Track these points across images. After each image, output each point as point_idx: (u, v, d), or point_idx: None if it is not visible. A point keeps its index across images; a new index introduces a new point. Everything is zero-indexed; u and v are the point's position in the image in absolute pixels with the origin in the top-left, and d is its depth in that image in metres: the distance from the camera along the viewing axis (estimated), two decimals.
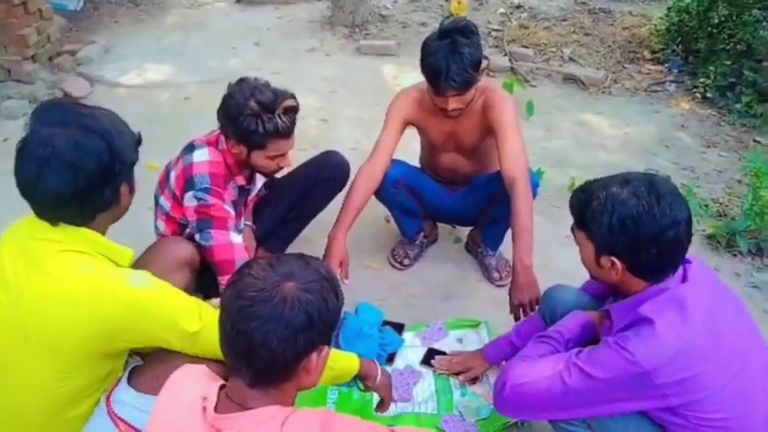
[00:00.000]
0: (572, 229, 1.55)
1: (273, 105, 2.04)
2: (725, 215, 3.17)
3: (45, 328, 1.39)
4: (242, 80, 2.08)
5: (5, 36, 4.20)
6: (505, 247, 2.74)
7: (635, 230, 1.37)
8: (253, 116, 2.02)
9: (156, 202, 2.27)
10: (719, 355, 1.38)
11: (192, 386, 1.21)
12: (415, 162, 2.76)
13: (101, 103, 4.21)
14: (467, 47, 2.17)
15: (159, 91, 4.32)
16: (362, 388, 1.86)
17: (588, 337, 1.62)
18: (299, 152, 3.12)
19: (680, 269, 1.45)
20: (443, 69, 2.15)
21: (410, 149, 2.76)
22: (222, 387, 1.19)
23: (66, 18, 5.11)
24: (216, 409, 1.15)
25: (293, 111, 2.11)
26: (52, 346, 1.40)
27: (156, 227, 2.30)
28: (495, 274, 2.69)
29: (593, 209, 1.43)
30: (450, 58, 2.14)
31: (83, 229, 1.43)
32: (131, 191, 1.54)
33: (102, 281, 1.39)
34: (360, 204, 2.33)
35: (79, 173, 1.35)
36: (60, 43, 4.67)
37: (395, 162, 2.50)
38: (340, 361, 1.76)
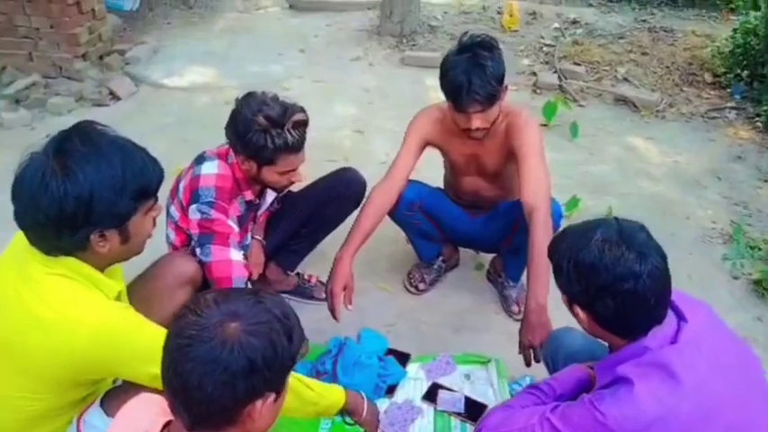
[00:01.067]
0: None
1: (283, 120, 1.99)
2: None
3: (17, 347, 1.36)
4: (249, 95, 2.03)
5: (58, 34, 4.32)
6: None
7: (589, 279, 1.29)
8: (261, 131, 1.97)
9: (168, 211, 2.25)
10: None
11: (140, 419, 1.16)
12: (439, 183, 2.66)
13: (144, 102, 4.32)
14: (489, 60, 2.05)
15: (200, 94, 4.35)
16: (350, 422, 1.78)
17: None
18: (327, 163, 3.07)
19: (668, 328, 1.31)
20: (465, 83, 2.02)
21: (431, 172, 2.66)
22: (168, 424, 1.13)
23: (121, 18, 5.24)
24: None
25: (303, 125, 2.04)
26: (22, 366, 1.37)
27: (166, 234, 2.27)
28: (515, 307, 2.55)
29: (558, 253, 1.38)
30: (473, 72, 2.03)
31: (69, 259, 1.37)
32: (120, 240, 1.40)
33: (72, 311, 1.33)
34: (370, 226, 2.24)
35: (39, 211, 1.30)
36: (111, 42, 4.78)
37: (411, 183, 2.40)
38: (324, 396, 1.69)
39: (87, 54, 4.49)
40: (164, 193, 1.59)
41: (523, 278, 2.58)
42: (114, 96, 4.28)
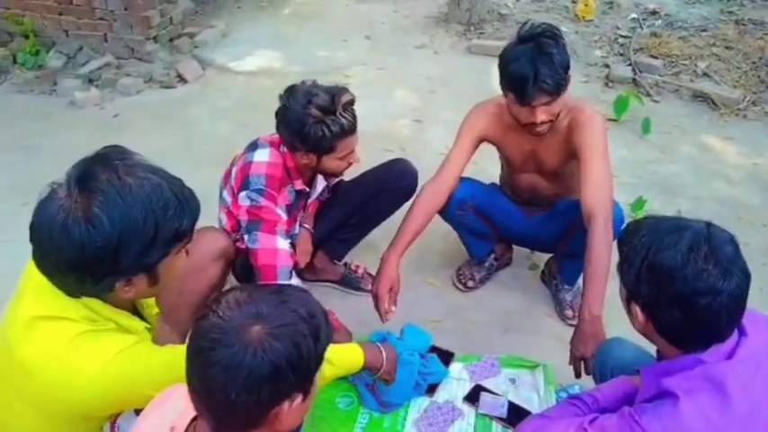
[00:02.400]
0: (617, 265, 1.36)
1: (333, 106, 1.96)
2: None
3: (26, 387, 1.28)
4: (292, 88, 2.01)
5: (131, 17, 4.44)
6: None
7: (662, 285, 1.18)
8: (317, 123, 1.96)
9: (220, 195, 2.27)
10: None
11: (168, 412, 1.15)
12: (496, 178, 2.57)
13: (209, 86, 4.38)
14: (554, 48, 1.95)
15: (264, 78, 4.38)
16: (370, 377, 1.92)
17: None
18: (383, 152, 3.02)
19: (727, 343, 1.20)
20: (532, 73, 1.92)
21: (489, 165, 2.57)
22: (195, 419, 1.12)
23: (192, 2, 5.33)
24: None
25: (351, 104, 2.02)
26: (34, 403, 1.30)
27: (218, 218, 2.29)
28: (569, 312, 2.44)
29: (631, 246, 1.25)
30: (539, 60, 1.92)
31: (91, 301, 1.27)
32: (148, 283, 1.27)
33: (69, 364, 1.21)
34: (419, 226, 2.17)
35: (60, 257, 1.17)
36: (182, 25, 4.88)
37: (463, 181, 2.32)
38: (342, 366, 1.70)
39: (158, 36, 4.60)
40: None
41: (579, 282, 2.47)
42: (182, 79, 4.37)
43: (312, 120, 1.95)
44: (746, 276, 1.18)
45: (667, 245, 1.19)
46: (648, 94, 4.19)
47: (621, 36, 4.98)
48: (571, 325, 2.38)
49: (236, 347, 0.96)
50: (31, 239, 1.20)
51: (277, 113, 2.04)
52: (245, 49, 4.77)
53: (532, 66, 1.92)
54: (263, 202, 2.03)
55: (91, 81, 4.29)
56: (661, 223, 1.26)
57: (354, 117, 2.03)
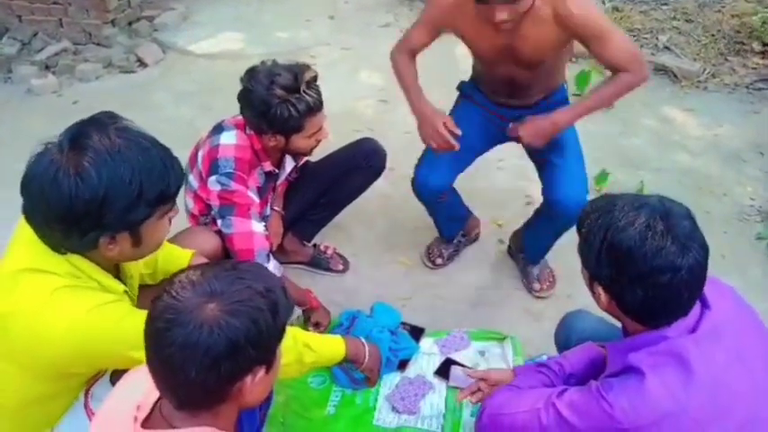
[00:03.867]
0: (578, 246, 1.35)
1: (297, 84, 1.94)
2: None
3: (5, 341, 1.32)
4: (253, 70, 1.97)
5: (88, 0, 4.32)
6: (552, 256, 2.53)
7: (622, 265, 1.18)
8: (282, 103, 1.93)
9: (186, 179, 2.23)
10: (725, 428, 1.15)
11: (135, 390, 1.15)
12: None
13: (170, 69, 4.30)
14: None
15: (226, 61, 4.29)
16: (353, 369, 1.93)
17: (597, 375, 1.42)
18: (351, 132, 3.02)
19: (690, 317, 1.23)
20: None
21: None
22: (161, 398, 1.11)
23: None
24: (145, 422, 1.07)
25: (315, 80, 2.00)
26: (6, 352, 1.34)
27: (185, 202, 2.26)
28: (536, 285, 2.47)
29: (589, 228, 1.25)
30: None
31: (74, 257, 1.31)
32: (131, 243, 1.32)
33: (51, 307, 1.26)
34: (416, 77, 2.27)
35: (49, 209, 1.23)
36: (140, 9, 4.75)
37: (430, 170, 2.26)
38: (323, 353, 1.70)
39: (116, 20, 4.48)
40: None
41: (548, 255, 2.51)
42: (142, 63, 4.27)
43: (277, 100, 1.92)
44: (705, 250, 1.20)
45: (624, 225, 1.19)
46: None
47: None
48: (539, 297, 2.44)
49: (190, 326, 0.96)
50: (22, 192, 1.26)
51: (239, 97, 2.01)
52: (206, 32, 4.68)
53: None
54: (233, 186, 2.01)
55: (47, 68, 4.16)
56: (616, 202, 1.25)
57: (319, 93, 2.00)
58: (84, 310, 1.26)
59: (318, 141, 2.12)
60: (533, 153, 2.28)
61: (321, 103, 2.01)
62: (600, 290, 1.27)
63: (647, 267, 1.16)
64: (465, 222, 2.61)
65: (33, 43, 4.37)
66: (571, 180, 2.12)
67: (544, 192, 2.20)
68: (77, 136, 1.24)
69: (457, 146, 2.10)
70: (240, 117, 2.11)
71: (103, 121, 1.29)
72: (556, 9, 1.92)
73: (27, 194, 1.26)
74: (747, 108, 3.89)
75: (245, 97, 1.99)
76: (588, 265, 1.28)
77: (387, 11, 5.14)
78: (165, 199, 1.32)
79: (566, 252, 2.66)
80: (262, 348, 1.03)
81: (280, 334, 1.07)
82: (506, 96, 2.23)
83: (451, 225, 2.58)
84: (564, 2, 1.91)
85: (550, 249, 2.45)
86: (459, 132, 2.09)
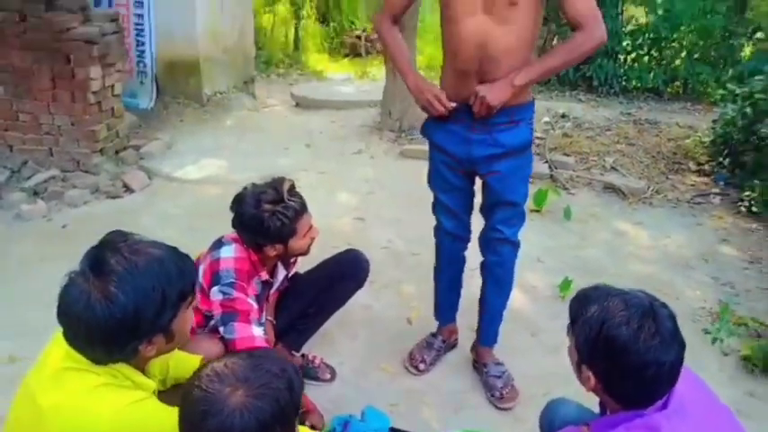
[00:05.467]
0: (567, 327, 1.54)
1: (280, 195, 2.18)
2: (765, 336, 3.02)
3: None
4: (239, 197, 2.21)
5: (79, 131, 4.60)
6: (522, 362, 2.71)
7: (617, 358, 1.37)
8: (272, 215, 2.15)
9: None
10: None
11: None
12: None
13: (156, 194, 4.53)
14: None
15: (211, 186, 4.58)
16: None
17: None
18: (334, 249, 3.24)
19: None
20: None
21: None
22: None
23: (137, 116, 5.56)
24: None
25: (294, 187, 2.24)
26: None
27: None
28: (497, 394, 2.57)
29: (585, 319, 1.42)
30: None
31: (112, 365, 1.43)
32: (166, 340, 1.46)
33: (87, 410, 1.36)
34: (403, 47, 2.37)
35: (89, 333, 1.36)
36: (128, 138, 5.07)
37: (447, 217, 2.57)
38: None
39: (104, 149, 4.75)
40: None
41: (510, 367, 2.67)
42: (128, 189, 4.50)
43: (267, 215, 2.15)
44: (683, 348, 1.40)
45: (619, 322, 1.36)
46: (565, 188, 4.65)
47: (537, 138, 5.51)
48: (503, 409, 2.56)
49: (224, 414, 1.12)
50: (61, 322, 1.39)
51: (234, 224, 2.23)
52: (190, 159, 4.99)
53: None
54: (235, 294, 2.17)
55: (36, 194, 4.35)
56: (610, 298, 1.42)
57: (301, 197, 2.24)
58: (124, 404, 1.38)
59: (312, 239, 2.32)
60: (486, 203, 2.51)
61: (305, 205, 2.25)
62: (589, 373, 1.43)
63: (639, 362, 1.34)
64: (457, 305, 2.80)
65: (23, 171, 4.58)
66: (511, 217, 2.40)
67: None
68: (96, 263, 1.37)
69: (451, 106, 2.25)
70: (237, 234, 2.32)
71: (115, 242, 1.43)
72: None
73: (66, 324, 1.38)
74: (690, 220, 4.29)
75: (239, 222, 2.21)
76: (581, 351, 1.44)
77: (358, 139, 5.58)
78: (185, 295, 1.47)
79: (536, 355, 2.86)
80: (285, 422, 1.18)
81: (297, 407, 1.23)
82: (475, 77, 2.21)
83: (450, 296, 2.77)
84: None
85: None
86: (450, 105, 2.25)
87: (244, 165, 4.94)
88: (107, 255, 1.39)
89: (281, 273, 2.45)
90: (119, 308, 1.34)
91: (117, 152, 4.89)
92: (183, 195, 4.46)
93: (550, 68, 2.23)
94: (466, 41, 2.16)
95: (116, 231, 1.50)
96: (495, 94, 2.14)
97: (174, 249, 1.49)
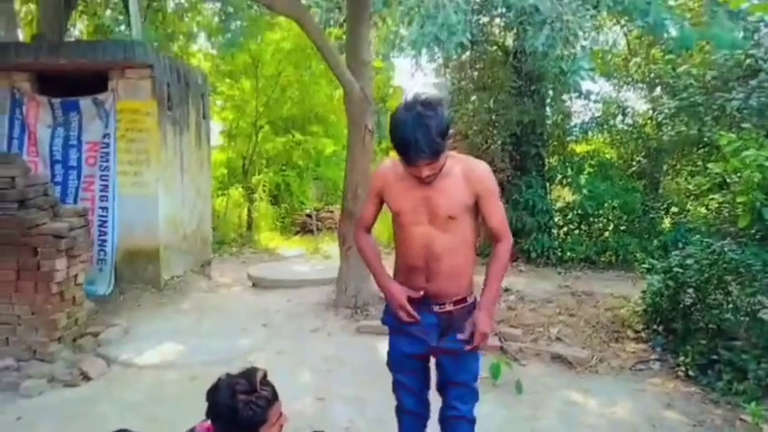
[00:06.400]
0: None
1: (252, 385, 2.31)
2: None
3: None
4: (214, 389, 2.32)
5: (38, 320, 4.65)
6: None
7: None
8: (245, 405, 2.28)
9: None
10: None
11: None
12: None
13: (114, 381, 4.51)
14: (432, 119, 2.34)
15: (168, 371, 4.60)
16: None
17: None
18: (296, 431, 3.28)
19: None
20: (413, 141, 2.32)
21: None
22: None
23: (94, 302, 5.65)
24: None
25: (266, 377, 2.36)
26: None
27: None
28: None
29: None
30: (418, 131, 2.32)
31: None
32: None
33: None
34: (380, 255, 2.74)
35: None
36: (86, 326, 5.11)
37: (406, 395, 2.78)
38: None
39: (63, 337, 4.78)
40: None
41: None
42: (85, 377, 4.47)
43: (241, 404, 2.28)
44: None
45: None
46: (516, 359, 4.87)
47: None
48: None
49: None
50: None
51: (208, 414, 2.34)
52: (148, 344, 5.03)
53: (413, 134, 2.32)
54: None
55: None
56: None
57: (272, 386, 2.35)
58: None
59: (282, 426, 2.41)
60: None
61: (276, 394, 2.38)
62: None
63: None
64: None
65: None
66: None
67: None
68: None
69: (418, 318, 2.59)
70: (208, 423, 2.41)
71: None
72: (464, 169, 2.54)
73: None
74: (634, 387, 4.52)
75: (214, 412, 2.33)
76: None
77: (315, 316, 5.77)
78: None
79: None
80: None
81: None
82: (423, 272, 2.59)
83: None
84: (469, 163, 2.58)
85: None
86: (417, 317, 2.59)
87: (202, 348, 5.02)
88: None
89: None
90: None
91: (75, 339, 4.91)
92: (142, 381, 4.45)
93: (499, 285, 2.68)
94: (414, 244, 2.60)
95: (122, 429, 1.61)
96: (487, 326, 2.54)
97: None
